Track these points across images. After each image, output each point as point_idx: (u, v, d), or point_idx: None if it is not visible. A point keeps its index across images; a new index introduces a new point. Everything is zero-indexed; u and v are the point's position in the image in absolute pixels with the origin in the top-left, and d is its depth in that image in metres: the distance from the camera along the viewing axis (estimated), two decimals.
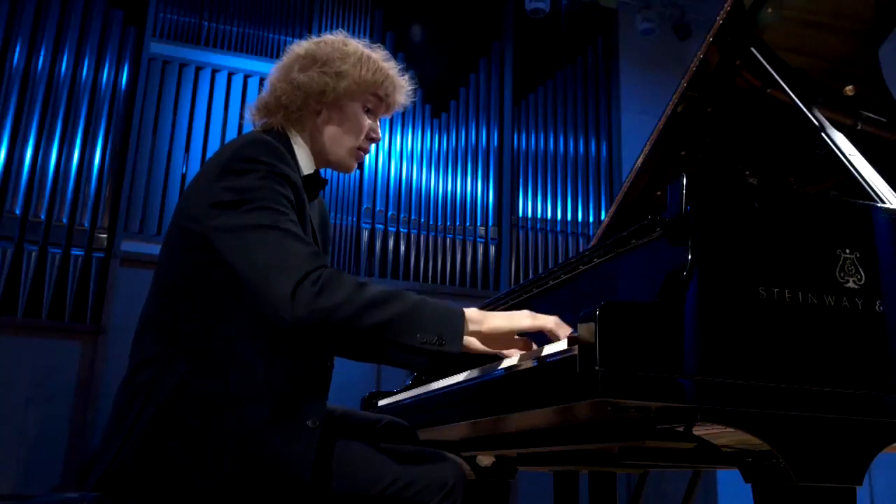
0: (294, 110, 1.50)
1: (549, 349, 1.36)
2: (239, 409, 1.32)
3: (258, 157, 1.35)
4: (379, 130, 1.58)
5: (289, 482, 1.31)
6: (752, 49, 1.94)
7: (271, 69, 1.58)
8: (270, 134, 1.48)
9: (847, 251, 1.36)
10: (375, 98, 1.55)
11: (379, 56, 1.55)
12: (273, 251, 1.26)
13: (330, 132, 1.52)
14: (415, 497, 1.36)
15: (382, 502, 1.37)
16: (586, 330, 1.15)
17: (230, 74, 5.02)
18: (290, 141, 1.51)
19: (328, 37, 1.56)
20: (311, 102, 1.50)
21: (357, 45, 1.54)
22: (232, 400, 1.32)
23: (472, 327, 1.34)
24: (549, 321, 1.37)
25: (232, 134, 4.94)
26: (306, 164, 1.53)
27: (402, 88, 1.58)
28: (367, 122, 1.55)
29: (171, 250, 1.44)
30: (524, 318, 1.37)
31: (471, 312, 1.35)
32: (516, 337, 1.42)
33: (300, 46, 1.54)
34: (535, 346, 1.43)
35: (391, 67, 1.55)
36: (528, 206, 5.46)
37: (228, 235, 1.30)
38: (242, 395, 1.33)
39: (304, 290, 1.22)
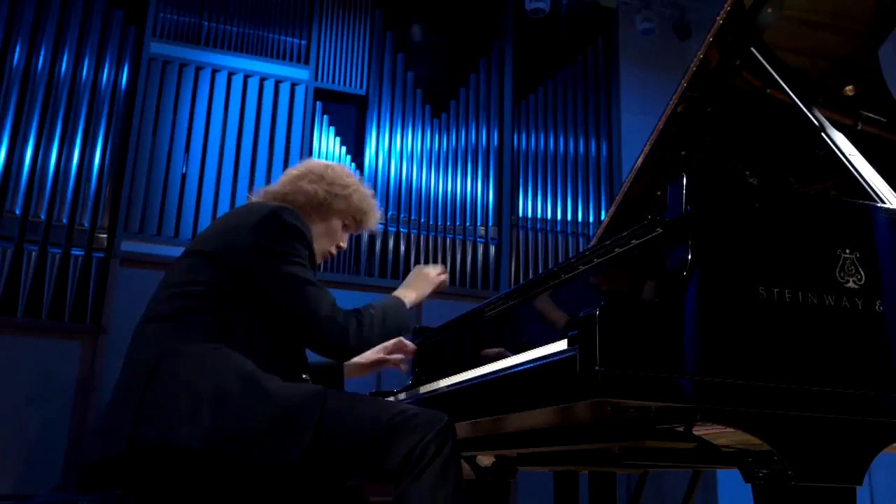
0: (294, 209, 1.84)
1: (549, 349, 1.37)
2: (240, 376, 1.52)
3: (294, 223, 1.70)
4: (345, 242, 2.02)
5: (304, 419, 1.50)
6: (752, 49, 1.94)
7: (285, 172, 1.97)
8: None
9: (847, 251, 1.36)
10: (353, 220, 1.98)
11: (368, 193, 2.00)
12: (317, 302, 1.65)
13: (314, 234, 1.85)
14: (416, 427, 1.53)
15: (392, 429, 1.53)
16: (586, 330, 1.15)
17: (230, 74, 5.02)
18: None
19: (336, 164, 2.00)
20: (308, 208, 1.87)
21: (355, 179, 1.98)
22: (232, 371, 1.52)
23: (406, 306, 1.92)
24: (439, 272, 2.08)
25: (232, 134, 4.93)
26: None
27: (376, 220, 2.04)
28: (342, 235, 1.97)
29: (185, 271, 1.66)
30: (429, 283, 2.05)
31: (405, 296, 1.93)
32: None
33: (315, 164, 1.96)
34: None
35: (375, 204, 2.03)
36: (528, 206, 5.46)
37: (274, 278, 1.63)
38: (243, 362, 1.55)
39: (353, 330, 1.69)
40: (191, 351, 1.53)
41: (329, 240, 1.95)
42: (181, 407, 1.44)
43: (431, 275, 2.05)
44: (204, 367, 1.50)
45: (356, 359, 2.16)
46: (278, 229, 1.67)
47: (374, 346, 1.79)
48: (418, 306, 2.00)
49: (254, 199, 1.91)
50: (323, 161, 2.02)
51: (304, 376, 1.75)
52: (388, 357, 2.25)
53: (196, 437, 1.41)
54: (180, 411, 1.44)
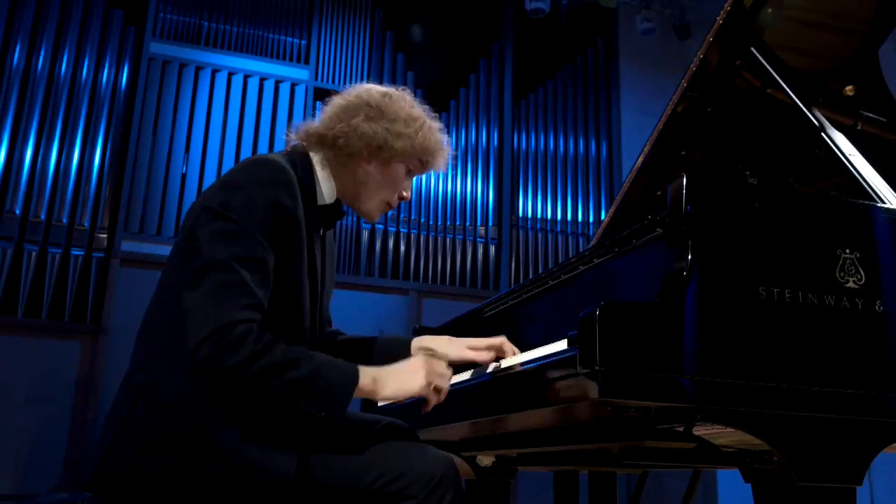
0: (346, 153, 1.54)
1: (549, 349, 1.37)
2: (227, 415, 1.35)
3: (260, 177, 1.39)
4: (410, 191, 1.65)
5: (274, 486, 1.33)
6: (752, 49, 1.94)
7: (330, 102, 1.61)
8: (294, 157, 1.52)
9: (847, 251, 1.36)
10: (419, 162, 1.61)
11: (437, 126, 1.62)
12: (207, 291, 1.30)
13: (370, 183, 1.57)
14: (401, 491, 1.36)
15: (368, 498, 1.37)
16: (586, 330, 1.15)
17: (230, 74, 5.02)
18: (312, 169, 1.55)
19: (395, 93, 1.60)
20: (365, 152, 1.54)
21: (421, 112, 1.60)
22: (220, 406, 1.35)
23: (364, 395, 1.40)
24: (440, 380, 1.42)
25: (232, 134, 4.94)
26: (328, 195, 1.58)
27: (446, 159, 1.65)
28: (405, 181, 1.62)
29: (175, 256, 1.47)
30: (415, 385, 1.41)
31: (364, 382, 1.38)
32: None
33: (369, 94, 1.58)
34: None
35: (444, 139, 1.63)
36: (528, 206, 5.46)
37: (197, 251, 1.34)
38: (231, 402, 1.36)
39: (203, 348, 1.27)
40: (162, 391, 1.35)
41: (390, 189, 1.59)
42: (137, 474, 1.32)
43: (433, 368, 1.43)
44: (167, 426, 1.33)
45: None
46: (240, 190, 1.37)
47: (243, 390, 1.31)
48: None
49: (292, 135, 1.61)
50: (376, 87, 1.61)
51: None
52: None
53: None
54: (136, 478, 1.32)
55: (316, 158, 1.57)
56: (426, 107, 1.64)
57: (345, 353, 1.67)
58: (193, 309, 1.30)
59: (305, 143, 1.58)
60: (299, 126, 1.60)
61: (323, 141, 1.55)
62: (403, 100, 1.60)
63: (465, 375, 1.68)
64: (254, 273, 1.33)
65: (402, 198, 1.64)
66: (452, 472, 1.41)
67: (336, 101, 1.60)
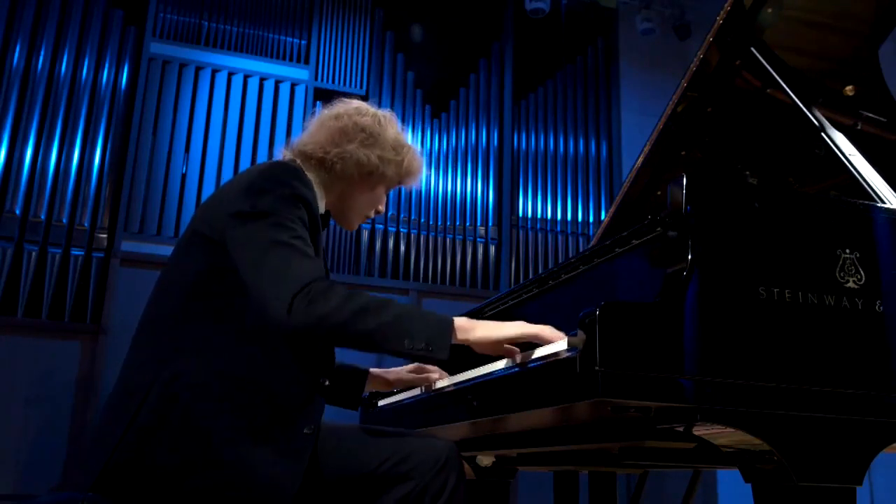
0: (338, 176, 1.63)
1: (549, 349, 1.37)
2: (235, 414, 1.36)
3: (282, 178, 1.46)
4: (384, 205, 1.76)
5: (280, 489, 1.35)
6: (752, 49, 1.94)
7: (321, 119, 1.69)
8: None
9: (847, 251, 1.36)
10: (398, 183, 1.73)
11: (417, 150, 1.73)
12: (278, 264, 1.35)
13: (354, 201, 1.68)
14: (408, 473, 1.41)
15: (375, 481, 1.41)
16: (586, 330, 1.15)
17: (230, 74, 5.02)
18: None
19: (384, 117, 1.69)
20: (356, 176, 1.63)
21: (407, 139, 1.71)
22: (228, 405, 1.36)
23: (460, 335, 1.42)
24: (542, 329, 1.42)
25: (232, 134, 4.93)
26: (320, 205, 1.64)
27: (418, 180, 1.76)
28: (384, 198, 1.73)
29: (183, 254, 1.50)
30: (513, 328, 1.43)
31: (460, 321, 1.43)
32: (506, 346, 1.47)
33: (360, 116, 1.65)
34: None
35: (422, 162, 1.75)
36: (528, 206, 5.46)
37: (244, 247, 1.39)
38: (239, 401, 1.37)
39: (299, 301, 1.31)
40: (172, 391, 1.35)
41: (371, 206, 1.71)
42: (144, 472, 1.33)
43: (525, 325, 1.43)
44: (178, 425, 1.33)
45: (378, 372, 1.95)
46: (266, 190, 1.42)
47: (347, 336, 1.34)
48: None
49: (286, 153, 1.66)
50: (366, 108, 1.69)
51: (325, 382, 1.52)
52: (411, 378, 1.90)
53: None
54: (143, 475, 1.33)
55: (310, 175, 1.61)
56: (406, 129, 1.74)
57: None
58: (265, 283, 1.33)
59: (300, 161, 1.63)
60: (294, 145, 1.66)
61: (322, 165, 1.62)
62: (392, 125, 1.69)
63: (466, 375, 1.68)
64: (306, 246, 1.40)
65: (378, 212, 1.74)
66: (455, 456, 1.45)
67: (329, 123, 1.66)
